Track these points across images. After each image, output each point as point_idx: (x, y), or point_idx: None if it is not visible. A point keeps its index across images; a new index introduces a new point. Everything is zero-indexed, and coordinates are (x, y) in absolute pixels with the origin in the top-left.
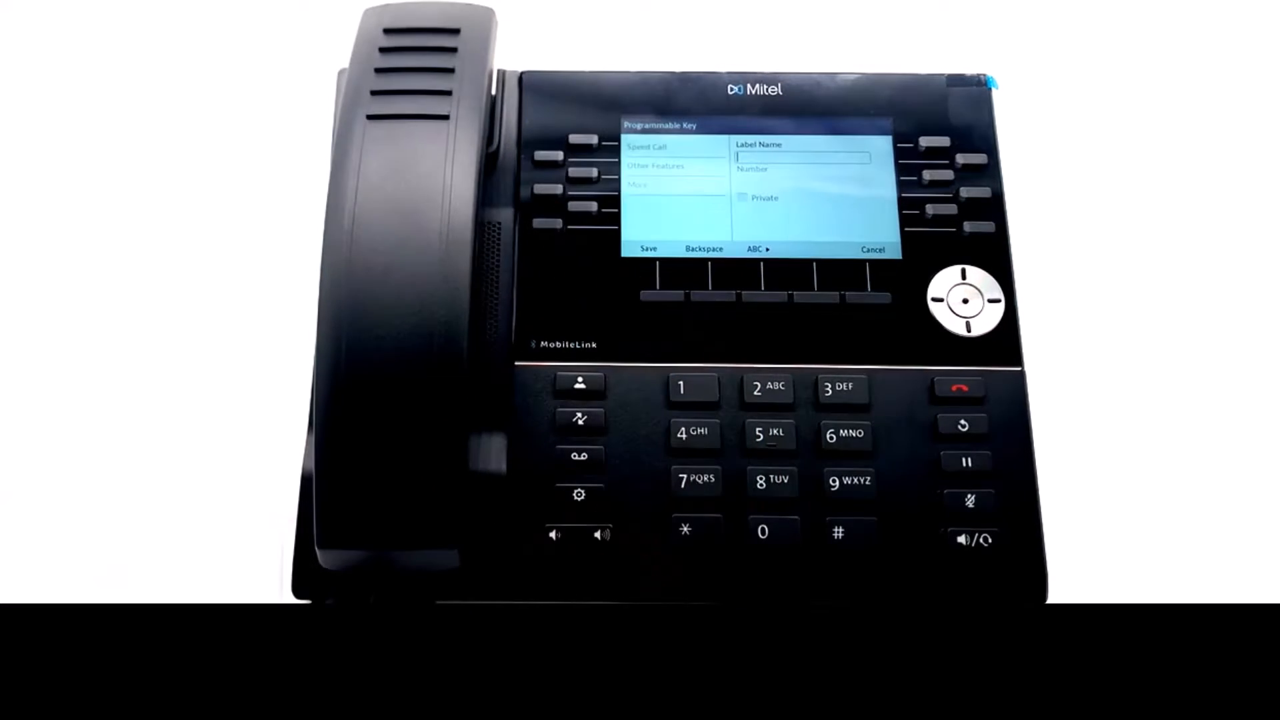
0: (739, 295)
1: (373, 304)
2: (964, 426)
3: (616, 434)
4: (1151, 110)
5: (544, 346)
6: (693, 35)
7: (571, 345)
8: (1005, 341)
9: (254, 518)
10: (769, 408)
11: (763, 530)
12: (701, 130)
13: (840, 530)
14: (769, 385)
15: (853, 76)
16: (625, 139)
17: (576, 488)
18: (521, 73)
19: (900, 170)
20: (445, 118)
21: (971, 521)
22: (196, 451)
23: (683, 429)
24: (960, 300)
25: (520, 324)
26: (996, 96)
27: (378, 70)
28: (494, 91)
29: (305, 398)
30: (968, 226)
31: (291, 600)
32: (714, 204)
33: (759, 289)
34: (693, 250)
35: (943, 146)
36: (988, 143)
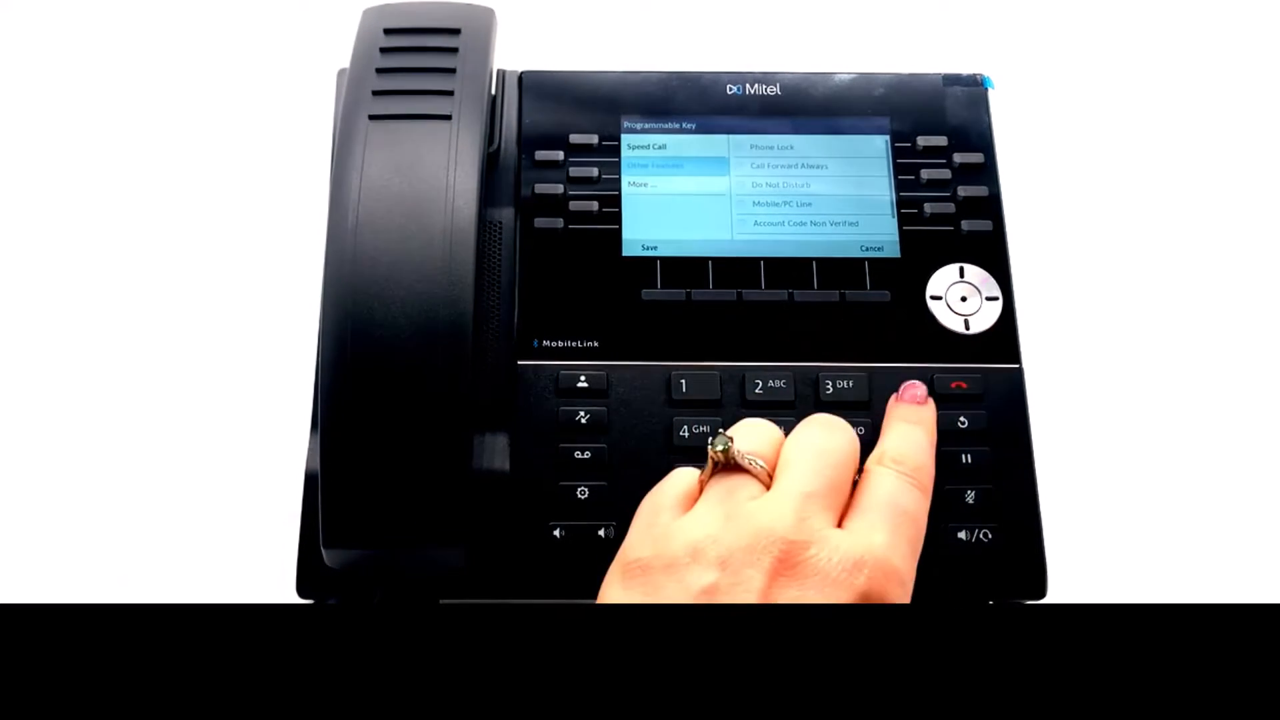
0: (740, 294)
1: (377, 302)
2: (963, 423)
3: (619, 432)
4: (1147, 109)
5: (546, 345)
6: (692, 35)
7: (573, 344)
8: (1003, 339)
9: (258, 517)
10: (770, 405)
11: None
12: (701, 130)
13: None
14: (770, 383)
15: (850, 76)
16: (625, 139)
17: (580, 486)
18: (521, 72)
19: (898, 169)
20: (447, 118)
21: (971, 517)
22: (201, 451)
23: (685, 427)
24: (959, 298)
25: (522, 323)
26: (993, 96)
27: (379, 70)
28: (494, 91)
29: (309, 397)
30: (965, 225)
31: (296, 600)
32: (714, 203)
33: (759, 288)
34: (693, 249)
35: (940, 146)
36: (985, 141)
